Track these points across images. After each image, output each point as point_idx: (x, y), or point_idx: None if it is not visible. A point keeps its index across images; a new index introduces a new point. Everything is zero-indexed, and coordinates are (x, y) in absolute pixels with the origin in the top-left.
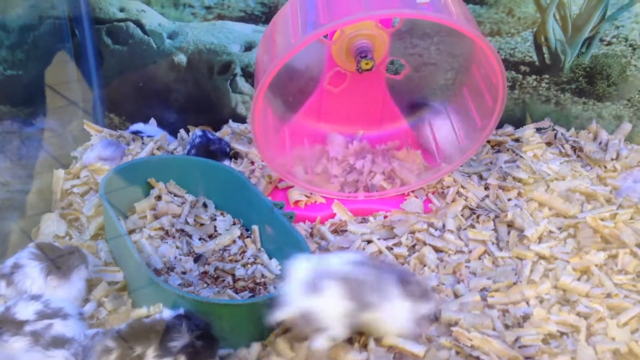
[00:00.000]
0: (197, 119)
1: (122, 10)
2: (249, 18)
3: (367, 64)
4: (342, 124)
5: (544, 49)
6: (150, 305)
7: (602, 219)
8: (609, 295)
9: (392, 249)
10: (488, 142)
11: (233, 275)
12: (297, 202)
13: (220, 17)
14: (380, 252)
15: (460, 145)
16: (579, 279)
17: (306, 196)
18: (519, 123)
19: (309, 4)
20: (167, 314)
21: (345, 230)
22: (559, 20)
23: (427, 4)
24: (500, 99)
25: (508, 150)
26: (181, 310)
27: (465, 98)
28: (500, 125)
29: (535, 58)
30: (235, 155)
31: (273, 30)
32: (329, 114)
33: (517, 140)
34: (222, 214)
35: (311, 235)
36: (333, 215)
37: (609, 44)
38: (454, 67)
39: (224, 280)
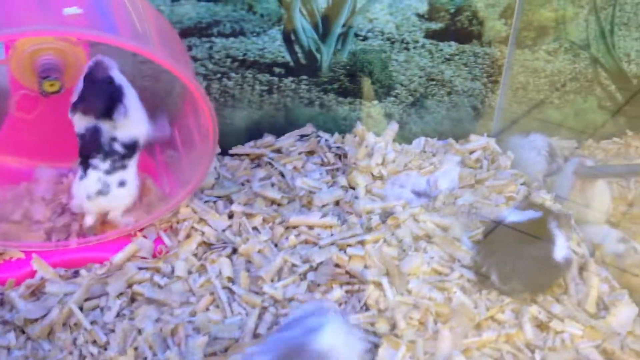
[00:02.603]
0: None
1: None
2: None
3: (52, 85)
4: (51, 157)
5: (296, 48)
6: None
7: (347, 246)
8: None
9: (96, 309)
10: (247, 155)
11: None
12: None
13: None
14: (77, 324)
15: (190, 170)
16: None
17: None
18: (282, 131)
19: None
20: None
21: (45, 293)
22: (307, 15)
23: (80, 16)
24: (207, 116)
25: (266, 164)
26: None
27: (187, 115)
28: (260, 135)
29: (288, 58)
30: None
31: None
32: (29, 146)
33: (278, 150)
34: None
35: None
36: (31, 274)
37: (365, 38)
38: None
39: None
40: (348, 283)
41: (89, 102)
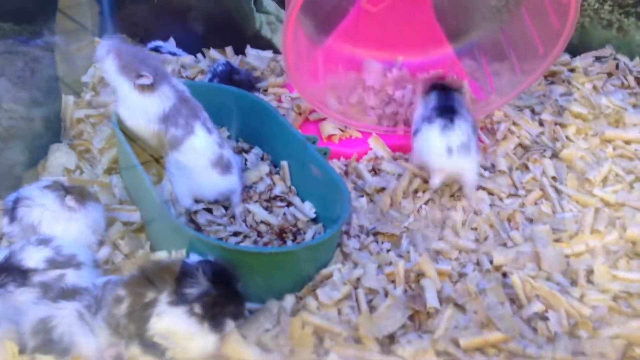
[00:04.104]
0: (218, 40)
1: None
2: None
3: None
4: (380, 48)
5: None
6: (169, 248)
7: None
8: None
9: (435, 191)
10: None
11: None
12: (330, 136)
13: None
14: (426, 202)
15: (515, 75)
16: None
17: (340, 130)
18: (576, 51)
19: None
20: (190, 258)
21: (382, 170)
22: None
23: None
24: (570, 20)
25: (563, 81)
26: (206, 257)
27: (524, 21)
28: None
29: None
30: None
31: None
32: (366, 37)
33: (573, 70)
34: (250, 147)
35: (346, 173)
36: (367, 151)
37: None
38: None
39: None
40: None
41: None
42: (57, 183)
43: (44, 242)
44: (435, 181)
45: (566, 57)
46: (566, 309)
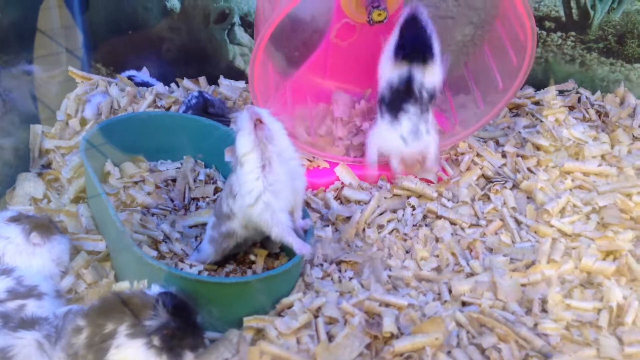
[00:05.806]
0: (191, 71)
1: None
2: None
3: (379, 15)
4: (348, 81)
5: (572, 3)
6: (133, 278)
7: (628, 195)
8: (635, 280)
9: (399, 220)
10: None
11: None
12: None
13: None
14: (390, 232)
15: (478, 109)
16: (604, 259)
17: (308, 160)
18: (540, 84)
19: None
20: (151, 290)
21: (347, 199)
22: None
23: None
24: (527, 57)
25: (527, 114)
26: (167, 289)
27: (487, 56)
28: None
29: (562, 13)
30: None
31: None
32: (335, 70)
33: (537, 103)
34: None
35: (308, 204)
36: (334, 182)
37: None
38: (474, 22)
39: None
40: (633, 228)
41: (410, 49)
42: (23, 215)
43: (6, 272)
44: None
45: (530, 91)
46: (517, 340)
